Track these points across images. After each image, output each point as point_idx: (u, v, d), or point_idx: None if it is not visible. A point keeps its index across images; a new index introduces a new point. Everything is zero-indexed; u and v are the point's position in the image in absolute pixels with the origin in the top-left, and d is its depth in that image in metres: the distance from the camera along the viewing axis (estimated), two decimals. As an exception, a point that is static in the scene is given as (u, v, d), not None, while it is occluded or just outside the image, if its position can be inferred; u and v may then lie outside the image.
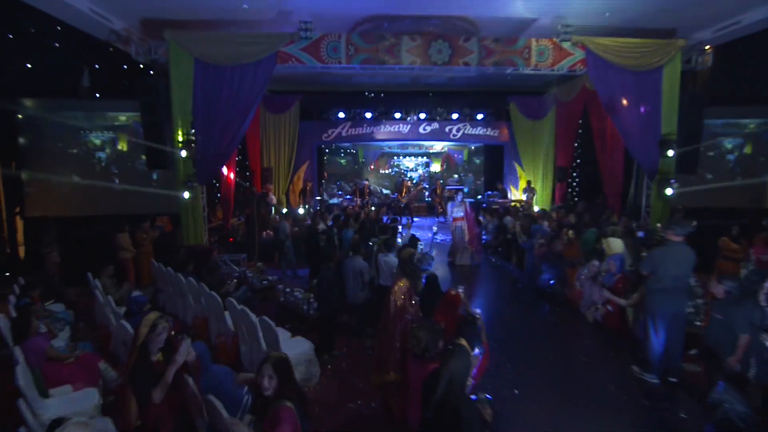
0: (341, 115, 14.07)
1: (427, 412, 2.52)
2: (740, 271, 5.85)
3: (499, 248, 9.72)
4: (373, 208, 13.06)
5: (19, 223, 9.02)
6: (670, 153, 8.73)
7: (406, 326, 3.84)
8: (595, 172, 12.31)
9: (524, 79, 12.96)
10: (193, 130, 8.01)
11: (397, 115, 14.18)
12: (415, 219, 14.88)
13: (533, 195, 12.81)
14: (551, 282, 6.81)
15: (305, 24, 8.00)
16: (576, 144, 13.83)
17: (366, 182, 15.82)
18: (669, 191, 8.91)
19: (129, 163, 9.97)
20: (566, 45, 8.57)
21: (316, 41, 8.14)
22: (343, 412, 4.08)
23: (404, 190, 16.09)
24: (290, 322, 5.63)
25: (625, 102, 8.95)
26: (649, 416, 4.02)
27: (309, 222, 10.27)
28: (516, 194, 13.74)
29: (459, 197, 9.25)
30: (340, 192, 16.27)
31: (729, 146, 10.88)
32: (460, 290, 4.18)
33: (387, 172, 17.93)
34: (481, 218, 10.90)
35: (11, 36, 8.09)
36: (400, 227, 8.24)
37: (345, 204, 13.96)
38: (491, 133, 14.46)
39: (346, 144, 16.40)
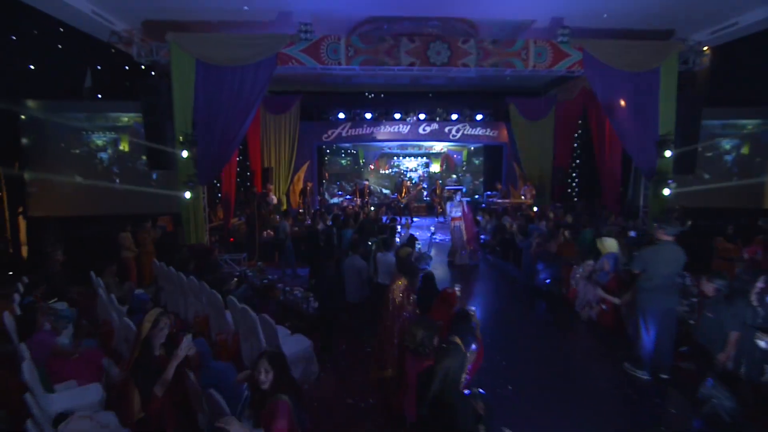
0: (341, 115, 14.16)
1: (423, 408, 2.59)
2: (735, 271, 5.92)
3: (497, 248, 9.80)
4: (372, 208, 13.15)
5: (22, 223, 9.10)
6: (668, 153, 8.79)
7: (404, 323, 3.93)
8: (594, 172, 12.40)
9: (523, 80, 13.08)
10: (194, 131, 8.10)
11: (397, 116, 14.27)
12: (415, 219, 14.98)
13: (532, 195, 12.87)
14: (547, 281, 6.90)
15: (305, 26, 8.08)
16: (575, 145, 13.93)
17: (366, 182, 15.91)
18: (666, 191, 8.99)
19: (130, 164, 10.05)
20: (564, 46, 8.63)
21: (315, 43, 8.22)
22: (342, 407, 4.16)
23: (404, 190, 16.17)
24: (290, 320, 5.69)
25: (622, 103, 9.04)
26: (639, 411, 4.10)
27: (309, 222, 10.36)
28: (515, 194, 13.78)
29: (457, 197, 9.33)
30: (340, 192, 16.36)
31: (727, 147, 10.94)
32: (456, 289, 4.27)
33: (387, 172, 18.01)
34: (479, 218, 10.98)
35: (14, 37, 8.16)
36: (399, 227, 8.32)
37: (345, 204, 14.05)
38: (490, 134, 14.54)
39: (347, 144, 16.48)
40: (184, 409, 2.89)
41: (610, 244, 5.96)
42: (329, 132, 14.25)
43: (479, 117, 14.37)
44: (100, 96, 10.02)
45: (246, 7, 8.31)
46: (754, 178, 10.67)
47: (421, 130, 14.35)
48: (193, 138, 8.07)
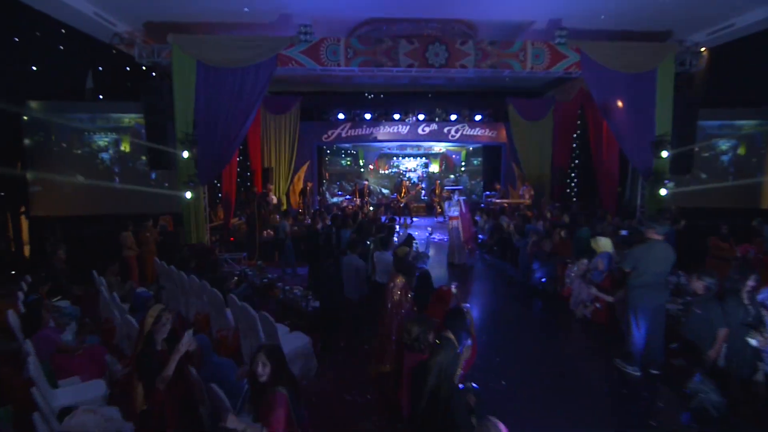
0: (341, 116, 14.22)
1: (418, 402, 2.67)
2: (729, 270, 6.00)
3: (494, 247, 9.88)
4: (371, 208, 13.24)
5: (24, 223, 9.18)
6: (664, 154, 8.87)
7: (402, 320, 4.03)
8: (592, 172, 12.47)
9: (522, 81, 13.15)
10: (194, 131, 8.18)
11: (397, 116, 14.33)
12: (414, 219, 15.08)
13: (531, 195, 12.95)
14: (543, 280, 6.99)
15: (305, 27, 8.16)
16: (574, 145, 14.01)
17: (366, 182, 15.99)
18: (663, 191, 9.06)
19: (132, 164, 10.13)
20: (561, 48, 8.71)
21: (315, 44, 8.31)
22: (340, 403, 4.24)
23: (403, 190, 16.27)
24: (289, 318, 5.78)
25: (619, 104, 9.11)
26: (629, 406, 4.19)
27: (309, 221, 10.44)
28: (514, 195, 13.87)
29: (455, 197, 9.40)
30: (340, 192, 16.45)
31: (723, 147, 11.01)
32: (453, 287, 4.37)
33: (386, 172, 18.09)
34: (477, 218, 11.07)
35: (17, 39, 8.24)
36: (397, 227, 8.40)
37: (345, 204, 14.14)
38: (490, 134, 14.60)
39: (347, 145, 16.56)
40: (185, 403, 2.97)
41: (604, 244, 6.05)
42: (329, 132, 14.32)
43: (478, 117, 14.43)
44: (101, 97, 10.10)
45: (246, 9, 8.39)
46: (751, 178, 10.74)
47: (420, 131, 14.42)
48: (194, 138, 8.15)
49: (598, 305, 5.83)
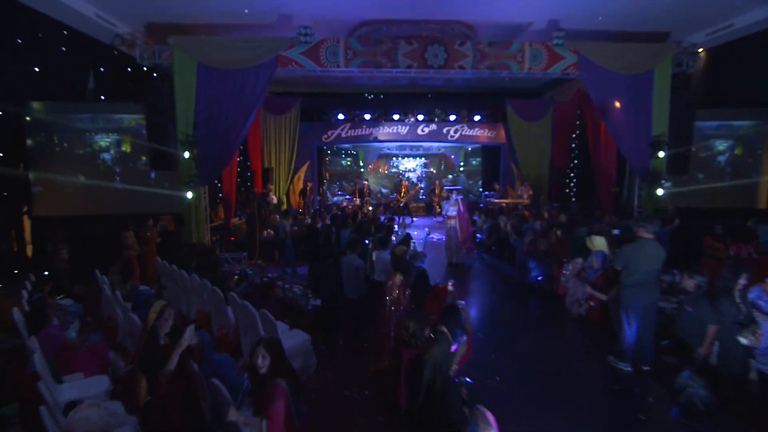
0: (341, 116, 14.31)
1: (415, 395, 2.74)
2: (723, 270, 6.07)
3: (492, 247, 9.96)
4: (370, 208, 13.32)
5: (27, 223, 9.26)
6: (661, 154, 8.94)
7: (400, 317, 4.11)
8: (591, 172, 12.55)
9: (521, 82, 13.23)
10: (195, 132, 8.26)
11: (396, 117, 14.41)
12: (414, 219, 15.17)
13: (529, 195, 13.03)
14: (539, 279, 7.07)
15: (305, 29, 8.23)
16: (573, 145, 14.08)
17: (365, 182, 16.08)
18: (660, 192, 9.13)
19: (133, 164, 10.21)
20: (559, 49, 8.78)
21: (315, 45, 8.38)
22: (339, 399, 4.32)
23: (402, 190, 16.36)
24: (289, 317, 5.86)
25: (617, 104, 9.18)
26: (620, 401, 4.29)
27: (309, 221, 10.53)
28: (513, 195, 13.95)
29: (454, 196, 9.47)
30: (340, 192, 16.55)
31: (720, 148, 11.08)
32: (450, 284, 4.46)
33: (386, 172, 18.19)
34: (476, 218, 11.15)
35: (19, 41, 8.32)
36: (396, 226, 8.48)
37: (344, 204, 14.23)
38: (489, 134, 14.68)
39: (347, 145, 16.65)
40: (187, 397, 3.05)
41: (599, 243, 6.14)
42: (329, 133, 14.40)
43: (477, 118, 14.52)
44: (102, 98, 10.18)
45: (247, 10, 8.48)
46: (747, 179, 10.82)
47: (419, 131, 14.51)
48: (195, 139, 8.22)
49: (592, 304, 5.92)
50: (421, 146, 17.35)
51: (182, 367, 2.97)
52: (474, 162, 17.58)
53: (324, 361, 5.03)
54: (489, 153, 16.11)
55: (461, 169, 17.92)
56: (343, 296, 5.83)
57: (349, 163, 17.88)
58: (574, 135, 13.80)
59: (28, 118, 9.44)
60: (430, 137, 14.78)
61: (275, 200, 12.21)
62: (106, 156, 10.11)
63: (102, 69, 10.12)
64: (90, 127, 9.97)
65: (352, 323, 5.79)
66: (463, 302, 3.80)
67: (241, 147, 11.24)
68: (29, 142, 9.47)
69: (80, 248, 8.30)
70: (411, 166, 18.20)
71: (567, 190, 14.37)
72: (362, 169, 17.92)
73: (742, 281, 4.19)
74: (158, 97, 8.34)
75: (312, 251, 7.85)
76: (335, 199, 15.74)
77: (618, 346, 4.82)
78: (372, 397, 4.30)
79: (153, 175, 10.16)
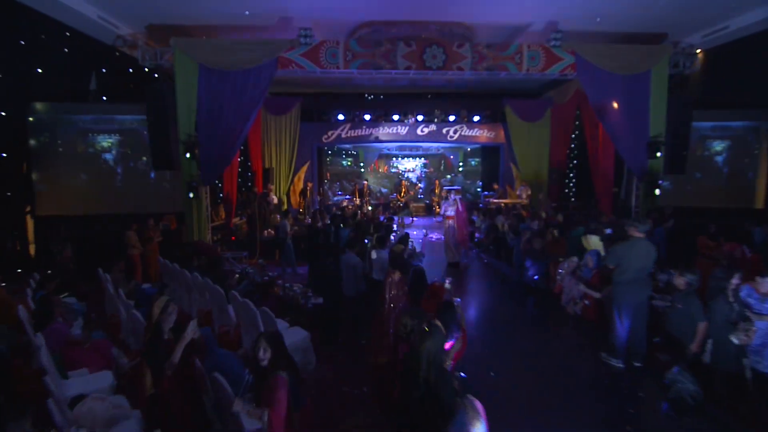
0: (341, 117, 14.39)
1: (410, 386, 2.81)
2: (716, 269, 6.15)
3: (490, 246, 10.05)
4: (369, 208, 13.42)
5: (30, 222, 9.36)
6: (658, 155, 9.01)
7: (399, 314, 4.21)
8: (590, 172, 12.63)
9: (520, 82, 13.30)
10: (196, 133, 8.35)
11: (396, 117, 14.49)
12: (414, 219, 15.26)
13: (528, 195, 13.12)
14: (535, 277, 7.16)
15: (305, 31, 8.31)
16: (573, 146, 14.16)
17: (365, 182, 16.18)
18: (657, 191, 9.21)
19: (133, 164, 10.30)
20: (556, 50, 8.86)
21: (315, 47, 8.47)
22: (337, 395, 4.42)
23: (402, 190, 16.47)
24: (289, 315, 5.95)
25: (614, 105, 9.26)
26: (611, 396, 4.40)
27: (309, 221, 10.62)
28: (512, 194, 14.04)
29: (452, 197, 9.56)
30: (340, 192, 16.66)
31: (717, 148, 11.16)
32: (447, 282, 4.55)
33: (386, 172, 18.30)
34: (474, 218, 11.24)
35: (23, 42, 8.42)
36: (395, 226, 8.57)
37: (345, 203, 14.32)
38: (488, 135, 14.76)
39: (347, 145, 16.74)
40: (190, 391, 3.14)
41: (594, 242, 6.23)
42: (329, 133, 14.49)
43: (476, 118, 14.60)
44: (104, 98, 10.28)
45: (247, 12, 8.56)
46: (744, 179, 10.90)
47: (419, 131, 14.60)
48: (196, 139, 8.31)
49: (587, 302, 6.02)
50: (420, 146, 17.45)
51: (185, 361, 3.06)
52: (473, 162, 17.67)
53: (323, 357, 5.12)
54: (488, 153, 16.20)
55: (460, 169, 18.01)
56: (341, 294, 5.92)
57: (349, 163, 17.98)
58: (573, 135, 13.89)
59: (30, 119, 9.53)
60: (430, 137, 14.86)
61: (276, 200, 12.31)
62: (108, 156, 10.20)
63: (104, 70, 10.22)
64: (92, 127, 10.06)
65: (350, 321, 5.87)
66: (458, 299, 3.89)
67: (242, 147, 11.34)
68: (32, 142, 9.56)
69: (83, 247, 8.41)
70: (410, 166, 18.30)
71: (566, 190, 14.46)
72: (362, 170, 18.02)
73: (734, 281, 4.25)
74: (160, 98, 8.41)
75: (312, 250, 7.93)
76: (335, 198, 15.85)
77: (610, 342, 4.92)
78: (370, 392, 4.39)
79: (153, 174, 10.23)
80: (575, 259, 6.38)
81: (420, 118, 14.54)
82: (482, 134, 14.73)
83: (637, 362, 4.80)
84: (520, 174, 13.95)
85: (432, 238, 11.24)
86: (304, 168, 14.37)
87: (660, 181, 9.21)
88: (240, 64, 8.32)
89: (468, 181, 17.50)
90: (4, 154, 8.58)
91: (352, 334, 5.73)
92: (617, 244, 4.82)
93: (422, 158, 18.25)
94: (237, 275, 7.23)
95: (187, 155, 8.32)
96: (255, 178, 13.03)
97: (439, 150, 17.84)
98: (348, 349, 5.43)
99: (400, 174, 18.14)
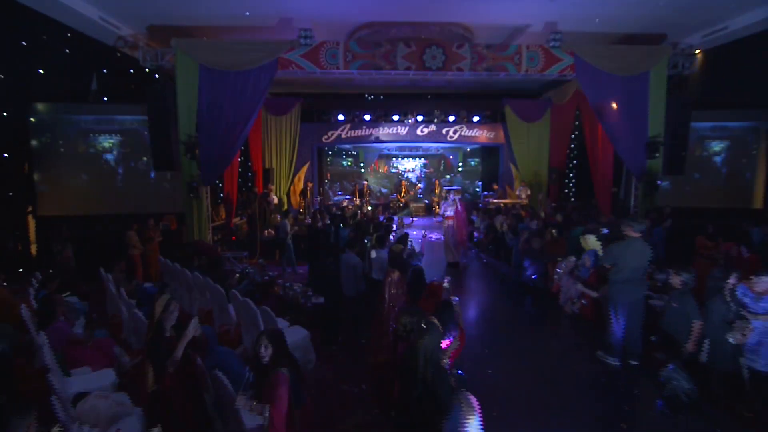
0: (341, 117, 14.44)
1: (408, 383, 2.84)
2: (714, 269, 6.19)
3: (489, 246, 10.09)
4: (369, 208, 13.46)
5: (31, 222, 9.40)
6: (657, 155, 9.04)
7: (398, 313, 4.25)
8: (589, 172, 12.66)
9: (520, 83, 13.35)
10: (197, 133, 8.39)
11: (396, 118, 14.54)
12: (413, 219, 15.31)
13: (527, 195, 13.16)
14: (534, 277, 7.21)
15: (305, 32, 8.35)
16: (573, 146, 14.19)
17: (365, 182, 16.22)
18: (656, 192, 9.25)
19: (134, 164, 10.35)
20: (556, 51, 8.90)
21: (315, 48, 8.50)
22: (337, 393, 4.47)
23: (403, 190, 16.52)
24: (289, 314, 5.99)
25: (613, 105, 9.29)
26: (607, 394, 4.46)
27: (309, 221, 10.67)
28: (512, 194, 14.08)
29: (451, 197, 9.60)
30: (340, 192, 16.71)
31: (716, 149, 11.19)
32: (445, 281, 4.60)
33: (386, 172, 18.36)
34: (473, 218, 11.28)
35: (24, 43, 8.46)
36: (394, 226, 8.61)
37: (345, 203, 14.38)
38: (487, 135, 14.80)
39: (347, 146, 16.80)
40: (191, 389, 3.19)
41: (592, 242, 6.27)
42: (329, 133, 14.53)
43: (476, 119, 14.64)
44: (105, 99, 10.32)
45: (248, 13, 8.61)
46: (743, 179, 10.94)
47: (419, 132, 14.64)
48: (197, 140, 8.36)
49: (584, 301, 6.07)
50: (420, 147, 17.50)
51: (187, 359, 3.10)
52: (472, 162, 17.72)
53: (323, 356, 5.16)
54: (488, 153, 16.24)
55: (459, 169, 18.06)
56: (341, 294, 5.96)
57: (349, 163, 18.03)
58: (572, 135, 13.92)
59: (32, 119, 9.57)
60: (430, 138, 14.91)
61: (276, 200, 12.36)
62: (109, 156, 10.25)
63: (105, 70, 10.27)
64: (93, 128, 10.10)
65: (350, 320, 5.92)
66: (456, 298, 3.94)
67: (242, 148, 11.38)
68: (33, 142, 9.60)
69: (84, 247, 8.46)
70: (410, 166, 18.35)
71: (566, 191, 14.49)
72: (362, 170, 18.07)
73: (732, 280, 4.28)
74: (160, 98, 8.45)
75: (312, 250, 7.98)
76: (335, 198, 15.92)
77: (606, 340, 4.96)
78: (369, 391, 4.43)
79: (153, 174, 10.27)
80: (573, 258, 6.42)
81: (420, 118, 14.59)
82: (482, 134, 14.77)
83: (633, 360, 4.85)
84: (519, 174, 13.98)
85: (431, 238, 11.29)
86: (305, 168, 14.41)
87: (659, 182, 9.24)
88: (240, 64, 8.36)
89: (467, 181, 17.55)
90: (6, 155, 8.63)
91: (351, 333, 5.77)
92: (614, 243, 4.87)
93: (422, 158, 18.30)
94: (237, 275, 7.27)
95: (188, 155, 8.35)
96: (255, 179, 13.08)
97: (438, 150, 17.89)
98: (348, 348, 5.47)
99: (400, 174, 18.18)
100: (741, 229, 7.89)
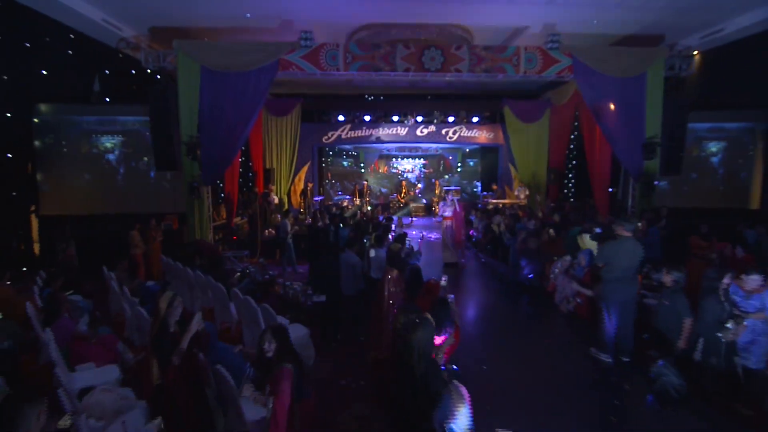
0: (341, 117, 14.53)
1: (403, 376, 2.93)
2: (708, 269, 6.26)
3: (487, 246, 10.18)
4: (368, 208, 13.55)
5: (34, 221, 9.51)
6: (654, 156, 9.11)
7: (396, 310, 4.34)
8: (587, 173, 12.73)
9: (519, 83, 13.41)
10: (198, 133, 8.48)
11: (396, 118, 14.63)
12: (413, 219, 15.41)
13: (526, 195, 13.23)
14: (530, 276, 7.30)
15: (306, 33, 8.42)
16: (572, 146, 14.26)
17: (365, 183, 16.32)
18: (653, 192, 9.32)
19: (135, 164, 10.44)
20: (554, 53, 8.97)
21: (315, 49, 8.58)
22: (336, 388, 4.57)
23: (403, 190, 16.62)
24: (289, 312, 6.09)
25: (610, 107, 9.36)
26: (599, 389, 4.56)
27: (309, 221, 10.77)
28: (510, 195, 14.16)
29: (449, 197, 9.68)
30: (340, 192, 16.81)
31: (713, 149, 11.27)
32: (443, 280, 4.69)
33: (386, 173, 18.45)
34: (472, 218, 11.37)
35: (28, 45, 8.57)
36: (393, 226, 8.69)
37: (345, 203, 14.48)
38: (487, 136, 14.89)
39: (348, 146, 16.89)
40: (194, 383, 3.28)
41: (589, 241, 6.36)
42: (329, 134, 14.63)
43: (475, 119, 14.73)
44: (108, 100, 10.42)
45: (249, 15, 8.70)
46: (739, 179, 11.02)
47: (419, 132, 14.73)
48: (198, 140, 8.44)
49: (579, 300, 6.16)
50: (419, 147, 17.59)
51: (189, 355, 3.19)
52: (471, 163, 17.81)
53: (322, 353, 5.26)
54: (487, 154, 16.32)
55: (458, 169, 18.15)
56: (341, 292, 6.05)
57: (350, 163, 18.13)
58: (572, 136, 13.99)
59: (35, 120, 9.67)
60: (429, 138, 14.99)
61: (276, 200, 12.45)
62: (111, 157, 10.34)
63: (107, 72, 10.37)
64: (95, 128, 10.20)
65: (349, 318, 6.01)
66: (452, 296, 4.03)
67: (243, 148, 11.46)
68: (37, 143, 9.71)
69: (87, 246, 8.55)
70: (409, 167, 18.44)
71: (565, 191, 14.57)
72: (363, 170, 18.16)
73: (726, 280, 4.34)
74: (162, 99, 8.53)
75: (313, 250, 8.06)
76: (335, 198, 16.03)
77: (599, 338, 5.05)
78: (367, 386, 4.53)
79: (152, 174, 10.37)
80: (568, 258, 6.52)
81: (419, 119, 14.68)
82: (481, 135, 14.86)
83: (625, 357, 4.95)
84: (518, 174, 14.06)
85: (431, 238, 11.38)
86: (305, 168, 14.50)
87: (656, 182, 9.31)
88: (241, 66, 8.44)
89: (464, 181, 17.65)
90: (10, 155, 8.73)
91: (351, 330, 5.86)
92: (606, 242, 4.96)
93: (421, 159, 18.40)
94: (238, 274, 7.37)
95: (189, 156, 8.43)
96: (256, 179, 13.17)
97: (437, 151, 17.99)
98: (347, 345, 5.56)
99: (400, 174, 18.28)
100: (736, 230, 7.96)
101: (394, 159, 18.41)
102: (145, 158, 10.24)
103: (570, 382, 4.71)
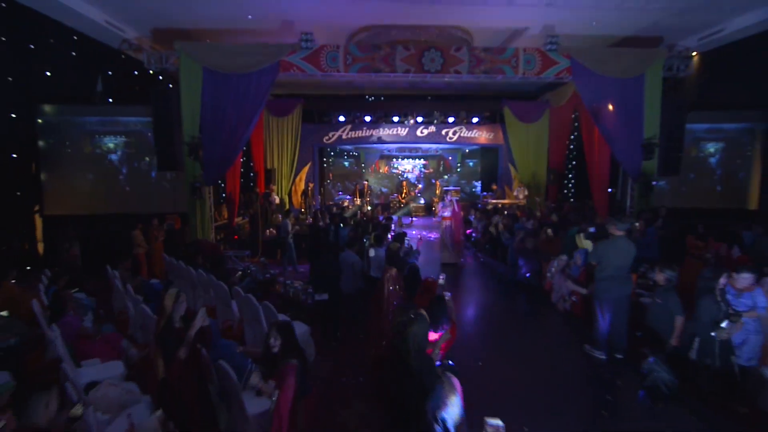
0: (342, 118, 14.61)
1: (405, 376, 3.01)
2: (704, 269, 6.33)
3: (486, 245, 10.26)
4: (369, 208, 13.63)
5: (38, 221, 9.61)
6: (652, 156, 9.18)
7: (395, 309, 4.43)
8: (587, 174, 12.80)
9: (518, 84, 13.48)
10: (200, 134, 8.57)
11: (396, 119, 14.71)
12: (413, 219, 15.49)
13: (525, 195, 13.30)
14: (527, 275, 7.38)
15: (306, 35, 8.51)
16: (572, 147, 14.33)
17: (365, 183, 16.41)
18: (651, 193, 9.39)
19: (137, 164, 10.54)
20: (552, 54, 9.04)
21: (316, 51, 8.67)
22: (336, 384, 4.66)
23: (404, 190, 16.70)
24: (290, 311, 6.17)
25: (609, 108, 9.43)
26: (592, 385, 4.66)
27: (310, 221, 10.86)
28: (510, 195, 14.23)
29: (448, 197, 9.75)
30: (341, 192, 16.91)
31: (711, 150, 11.33)
32: (440, 278, 4.77)
33: (386, 173, 18.55)
34: (470, 218, 11.45)
35: (32, 46, 8.67)
36: (393, 226, 8.78)
37: (345, 203, 14.56)
38: (487, 136, 14.96)
39: (349, 147, 16.98)
40: (197, 379, 3.37)
41: (586, 241, 6.43)
42: (330, 134, 14.71)
43: (475, 120, 14.80)
44: (110, 100, 10.52)
45: (250, 17, 8.79)
46: (737, 180, 11.08)
47: (419, 133, 14.81)
48: (200, 141, 8.54)
49: (574, 299, 6.25)
50: (420, 148, 17.67)
51: (193, 353, 3.28)
52: (471, 163, 17.89)
53: (322, 351, 5.34)
54: (487, 154, 16.40)
55: (458, 170, 18.23)
56: (341, 291, 6.14)
57: (351, 163, 18.23)
58: (571, 137, 14.06)
59: (39, 120, 9.77)
60: (430, 139, 15.07)
61: (277, 200, 12.54)
62: (114, 157, 10.44)
63: (110, 73, 10.47)
64: (98, 129, 10.30)
65: (349, 317, 6.10)
66: (449, 294, 4.11)
67: (245, 148, 11.55)
68: (41, 143, 9.81)
69: (90, 246, 8.66)
70: (410, 167, 18.53)
71: (565, 191, 14.64)
72: (363, 170, 18.25)
73: (722, 280, 4.39)
74: (164, 100, 8.62)
75: (314, 249, 8.15)
76: (336, 198, 16.13)
77: (593, 335, 5.14)
78: (367, 383, 4.61)
79: (153, 174, 10.46)
80: (564, 257, 6.60)
81: (420, 119, 14.75)
82: (481, 135, 14.93)
83: (618, 354, 5.04)
84: (518, 174, 14.13)
85: (430, 238, 11.46)
86: (306, 168, 14.59)
87: (654, 183, 9.37)
88: (243, 67, 8.52)
89: (463, 181, 17.73)
90: (14, 155, 8.83)
91: (350, 329, 5.95)
92: (599, 241, 5.05)
93: (421, 159, 18.48)
94: (239, 273, 7.46)
95: (191, 156, 8.52)
96: (257, 179, 13.26)
97: (437, 151, 18.06)
98: (347, 344, 5.65)
99: (400, 174, 18.37)
100: (733, 230, 8.01)
101: (394, 159, 18.50)
102: (147, 158, 10.34)
103: (564, 377, 4.81)
